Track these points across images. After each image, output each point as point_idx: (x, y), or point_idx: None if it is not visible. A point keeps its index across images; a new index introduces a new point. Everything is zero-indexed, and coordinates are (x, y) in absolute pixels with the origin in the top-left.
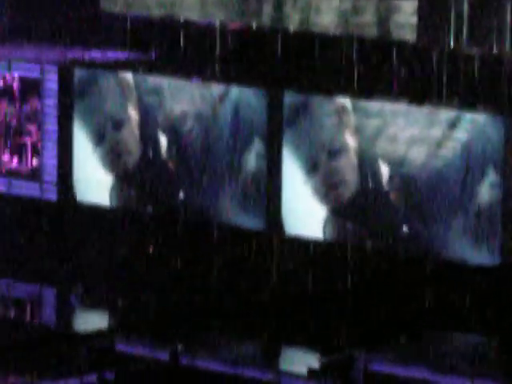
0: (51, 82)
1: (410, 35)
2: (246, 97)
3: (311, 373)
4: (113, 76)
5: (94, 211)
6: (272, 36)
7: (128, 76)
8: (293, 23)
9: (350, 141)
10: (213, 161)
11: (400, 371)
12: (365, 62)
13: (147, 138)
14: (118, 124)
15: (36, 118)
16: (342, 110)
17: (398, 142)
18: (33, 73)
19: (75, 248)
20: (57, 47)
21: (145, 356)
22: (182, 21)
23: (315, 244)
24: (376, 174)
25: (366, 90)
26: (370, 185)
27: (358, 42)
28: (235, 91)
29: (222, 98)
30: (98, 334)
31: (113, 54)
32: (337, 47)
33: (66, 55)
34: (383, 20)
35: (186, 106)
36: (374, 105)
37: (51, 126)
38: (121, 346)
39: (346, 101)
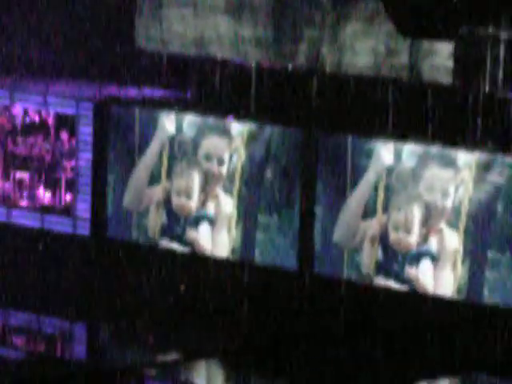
0: (86, 119)
1: (445, 78)
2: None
3: None
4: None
5: (127, 248)
6: (307, 77)
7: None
8: (329, 64)
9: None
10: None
11: None
12: (399, 104)
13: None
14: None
15: (71, 154)
16: None
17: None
18: (68, 109)
19: (107, 284)
20: (92, 84)
21: None
22: (218, 59)
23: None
24: None
25: (400, 133)
26: None
27: (392, 84)
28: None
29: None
30: (128, 370)
31: (149, 92)
32: (372, 89)
33: (102, 92)
34: (418, 62)
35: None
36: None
37: (86, 162)
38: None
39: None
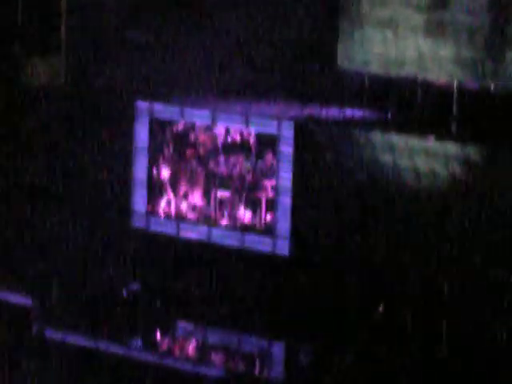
0: (287, 138)
1: None
2: None
3: None
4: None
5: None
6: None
7: None
8: None
9: None
10: None
11: None
12: None
13: None
14: None
15: (271, 173)
16: None
17: None
18: (269, 128)
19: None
20: (293, 103)
21: None
22: (419, 80)
23: None
24: None
25: None
26: None
27: None
28: None
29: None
30: None
31: (349, 112)
32: None
33: (303, 111)
34: None
35: None
36: None
37: (286, 181)
38: None
39: None
